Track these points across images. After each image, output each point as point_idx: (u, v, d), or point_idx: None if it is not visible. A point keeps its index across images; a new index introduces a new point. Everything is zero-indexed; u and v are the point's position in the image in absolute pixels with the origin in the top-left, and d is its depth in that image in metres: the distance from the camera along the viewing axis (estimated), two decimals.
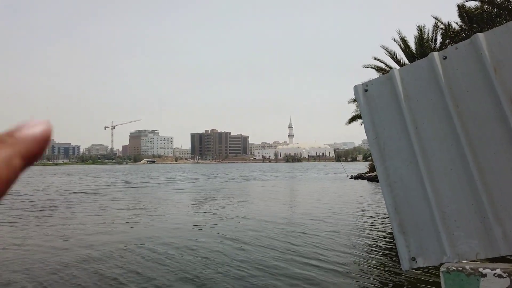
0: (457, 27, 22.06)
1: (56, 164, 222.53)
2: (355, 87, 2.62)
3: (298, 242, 10.17)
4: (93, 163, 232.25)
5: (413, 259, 2.20)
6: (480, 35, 2.18)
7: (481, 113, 2.11)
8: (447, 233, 2.12)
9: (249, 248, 9.53)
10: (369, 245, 10.00)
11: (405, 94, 2.38)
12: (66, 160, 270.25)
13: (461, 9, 20.53)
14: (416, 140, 2.28)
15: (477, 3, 19.77)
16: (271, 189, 31.52)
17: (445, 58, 2.27)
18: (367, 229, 12.21)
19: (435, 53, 2.32)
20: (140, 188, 33.72)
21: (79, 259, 8.68)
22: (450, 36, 21.60)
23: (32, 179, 48.88)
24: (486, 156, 2.07)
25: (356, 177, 43.41)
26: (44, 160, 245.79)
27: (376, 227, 12.51)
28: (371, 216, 14.59)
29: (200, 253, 9.15)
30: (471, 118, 2.14)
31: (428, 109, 2.31)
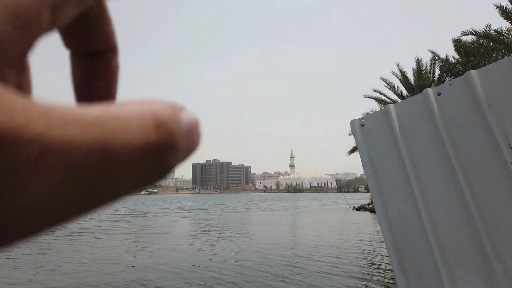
0: (454, 60, 22.48)
1: None
2: (352, 122, 2.65)
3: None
4: None
5: None
6: (473, 72, 2.22)
7: (477, 148, 2.12)
8: (448, 271, 2.08)
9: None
10: (370, 279, 9.76)
11: (401, 129, 2.41)
12: None
13: (457, 43, 20.98)
14: (414, 175, 2.28)
15: (473, 37, 20.24)
16: (286, 220, 31.62)
17: (439, 94, 2.31)
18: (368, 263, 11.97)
19: (430, 89, 2.36)
20: (160, 217, 33.86)
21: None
22: (448, 68, 21.98)
23: None
24: (483, 192, 2.06)
25: (358, 209, 42.92)
26: None
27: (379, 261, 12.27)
28: (373, 250, 14.35)
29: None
30: (467, 154, 2.15)
31: (424, 144, 2.32)
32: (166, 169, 0.14)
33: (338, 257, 12.94)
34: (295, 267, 11.39)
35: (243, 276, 10.34)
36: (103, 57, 0.21)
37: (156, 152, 0.13)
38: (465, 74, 2.24)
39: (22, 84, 0.16)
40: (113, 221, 28.76)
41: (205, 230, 23.17)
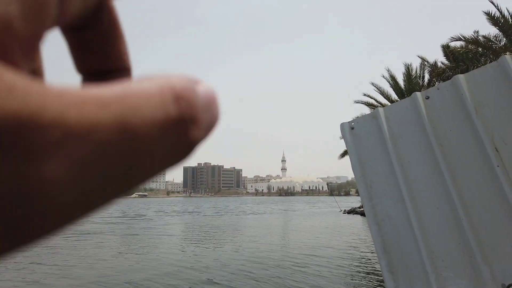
0: (442, 65, 22.76)
1: None
2: (342, 125, 2.66)
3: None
4: None
5: None
6: (461, 76, 2.25)
7: (464, 152, 2.15)
8: (436, 274, 2.09)
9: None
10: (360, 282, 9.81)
11: (390, 132, 2.42)
12: None
13: (446, 48, 21.27)
14: (403, 178, 2.30)
15: (462, 43, 20.52)
16: (283, 223, 32.33)
17: (427, 98, 2.33)
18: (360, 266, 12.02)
19: (418, 93, 2.39)
20: (159, 220, 34.57)
21: None
22: (438, 73, 22.24)
23: None
24: (471, 195, 2.08)
25: (349, 212, 43.09)
26: None
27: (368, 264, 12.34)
28: (361, 252, 14.44)
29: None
30: (454, 157, 2.17)
31: (413, 147, 2.34)
32: (190, 144, 0.13)
33: (330, 258, 12.98)
34: (296, 267, 11.62)
35: (247, 275, 10.57)
36: (115, 77, 0.20)
37: (178, 126, 0.13)
38: (453, 78, 2.27)
39: (35, 72, 0.16)
40: (113, 223, 29.24)
41: (205, 233, 23.53)
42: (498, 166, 1.96)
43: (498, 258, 1.96)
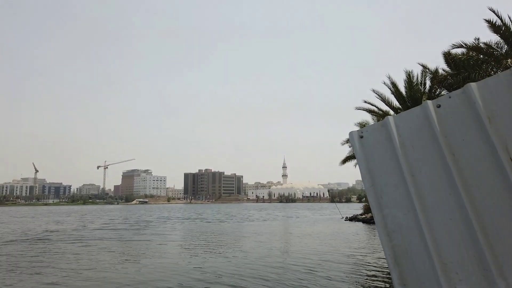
0: (444, 72, 22.69)
1: (46, 204, 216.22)
2: (351, 134, 2.62)
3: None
4: (84, 203, 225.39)
5: None
6: (473, 85, 2.21)
7: (477, 162, 2.10)
8: (449, 286, 2.03)
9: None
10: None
11: (400, 141, 2.38)
12: (56, 200, 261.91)
13: (447, 56, 21.23)
14: (414, 188, 2.25)
15: (463, 50, 20.47)
16: (290, 229, 32.70)
17: (439, 106, 2.29)
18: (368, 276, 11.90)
19: (429, 102, 2.35)
20: (171, 226, 35.14)
21: None
22: (439, 80, 22.17)
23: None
24: (485, 206, 2.03)
25: (351, 219, 42.97)
26: (34, 200, 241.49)
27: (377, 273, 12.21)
28: (368, 262, 14.34)
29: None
30: (467, 167, 2.12)
31: (424, 157, 2.29)
32: None
33: (339, 264, 12.89)
34: (307, 271, 11.69)
35: (258, 278, 10.71)
36: None
37: None
38: (464, 86, 2.23)
39: None
40: (120, 230, 29.67)
41: (213, 238, 24.07)
42: None
43: None
